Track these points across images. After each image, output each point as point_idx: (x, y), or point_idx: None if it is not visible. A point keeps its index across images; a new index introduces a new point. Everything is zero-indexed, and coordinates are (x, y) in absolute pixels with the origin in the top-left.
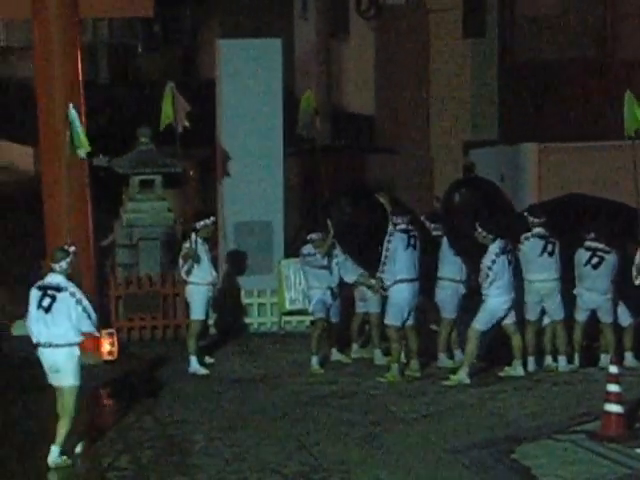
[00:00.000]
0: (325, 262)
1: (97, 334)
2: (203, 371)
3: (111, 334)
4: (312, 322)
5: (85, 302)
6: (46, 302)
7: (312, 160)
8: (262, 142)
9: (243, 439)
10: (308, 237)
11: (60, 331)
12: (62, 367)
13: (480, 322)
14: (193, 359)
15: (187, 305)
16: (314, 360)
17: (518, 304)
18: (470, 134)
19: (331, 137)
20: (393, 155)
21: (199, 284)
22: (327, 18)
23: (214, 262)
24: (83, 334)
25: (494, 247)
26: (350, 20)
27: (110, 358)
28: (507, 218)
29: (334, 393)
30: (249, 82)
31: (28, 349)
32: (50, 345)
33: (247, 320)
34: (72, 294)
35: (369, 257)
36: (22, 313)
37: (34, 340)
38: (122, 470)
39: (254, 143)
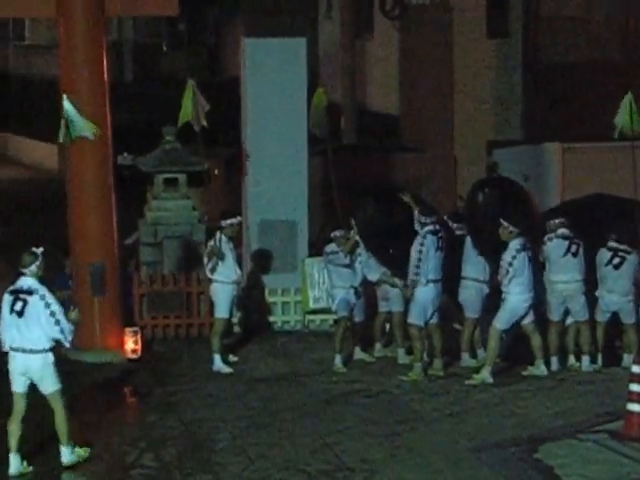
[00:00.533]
0: (348, 261)
1: (66, 344)
2: (227, 369)
3: (135, 332)
4: (335, 321)
5: (55, 307)
6: (18, 306)
7: (337, 159)
8: (287, 141)
9: (267, 437)
10: (332, 235)
11: (33, 336)
12: (39, 375)
13: (501, 321)
14: (217, 357)
15: (211, 303)
16: (337, 359)
17: (539, 303)
18: (494, 134)
19: (356, 136)
20: (417, 154)
21: (224, 282)
22: (352, 18)
23: (239, 261)
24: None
25: (514, 243)
26: (374, 20)
27: (134, 356)
28: (530, 218)
29: (357, 392)
30: (274, 81)
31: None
32: (24, 350)
33: (271, 318)
34: (42, 297)
35: (393, 256)
36: None
37: (5, 347)
38: (146, 468)
39: (279, 142)
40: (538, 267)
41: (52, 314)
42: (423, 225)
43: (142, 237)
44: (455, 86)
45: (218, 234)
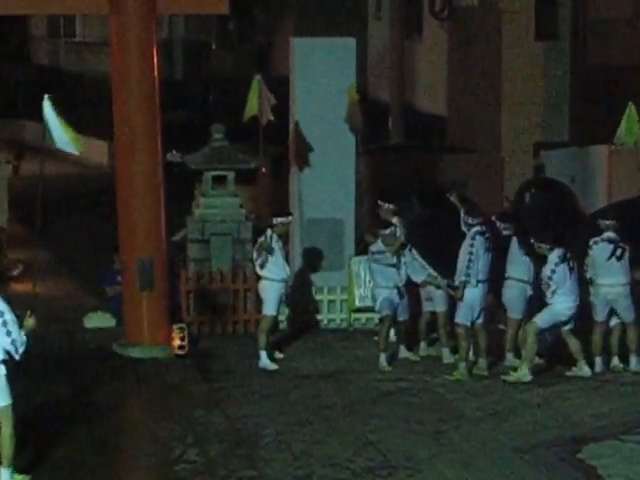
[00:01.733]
0: (394, 260)
1: (16, 356)
2: (272, 366)
3: (182, 329)
4: (380, 320)
5: (7, 316)
6: None
7: (384, 159)
8: (334, 140)
9: (311, 434)
10: (379, 233)
11: None
12: None
13: (541, 320)
14: (263, 354)
15: (259, 300)
16: (382, 357)
17: (583, 306)
18: (541, 135)
19: (403, 137)
20: (464, 155)
21: (273, 280)
22: (401, 18)
23: (287, 259)
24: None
25: (553, 256)
26: (423, 21)
27: (181, 352)
28: (577, 221)
29: (402, 390)
30: (322, 80)
31: (101, 341)
32: None
33: (317, 316)
34: None
35: (439, 256)
36: (94, 306)
37: None
38: (191, 463)
39: (326, 141)
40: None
41: (4, 324)
42: (470, 226)
43: (190, 234)
44: (503, 87)
45: (269, 231)
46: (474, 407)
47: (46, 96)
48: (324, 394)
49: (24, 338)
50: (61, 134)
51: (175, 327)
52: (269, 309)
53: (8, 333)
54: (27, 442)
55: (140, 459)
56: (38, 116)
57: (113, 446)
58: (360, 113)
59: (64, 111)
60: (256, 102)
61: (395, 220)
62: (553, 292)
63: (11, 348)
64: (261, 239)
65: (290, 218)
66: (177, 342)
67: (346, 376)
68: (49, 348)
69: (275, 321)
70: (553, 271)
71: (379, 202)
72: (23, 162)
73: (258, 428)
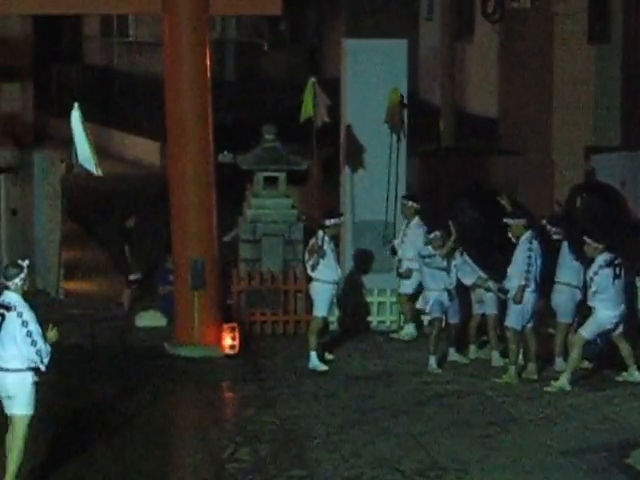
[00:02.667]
0: (444, 264)
1: (42, 367)
2: (322, 367)
3: (233, 328)
4: (430, 322)
5: (32, 327)
6: None
7: (435, 161)
8: (385, 142)
9: (361, 435)
10: (430, 235)
11: (8, 354)
12: (13, 394)
13: (587, 330)
14: (313, 355)
15: (309, 301)
16: (432, 360)
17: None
18: (592, 139)
19: (454, 139)
20: (515, 158)
21: (325, 282)
22: (452, 20)
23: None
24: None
25: (600, 258)
26: (475, 22)
27: (231, 352)
28: (628, 226)
29: (451, 393)
30: (374, 82)
31: (152, 340)
32: (0, 369)
33: (367, 318)
34: (19, 314)
35: (490, 259)
36: (146, 305)
37: None
38: (241, 462)
39: (377, 143)
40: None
41: (28, 334)
42: (521, 229)
43: (241, 234)
44: (554, 90)
45: (321, 233)
46: (523, 411)
47: (75, 105)
48: (373, 395)
49: (49, 348)
50: (84, 149)
51: (226, 327)
52: (320, 310)
53: (33, 343)
54: (78, 438)
55: (191, 457)
56: (90, 116)
57: (163, 444)
58: (400, 115)
59: (117, 111)
60: (311, 104)
61: (416, 219)
62: (594, 294)
63: (36, 358)
64: (313, 241)
65: (342, 219)
66: (228, 342)
67: (395, 378)
68: (101, 347)
69: (325, 322)
70: (596, 273)
71: (402, 200)
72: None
73: (308, 428)
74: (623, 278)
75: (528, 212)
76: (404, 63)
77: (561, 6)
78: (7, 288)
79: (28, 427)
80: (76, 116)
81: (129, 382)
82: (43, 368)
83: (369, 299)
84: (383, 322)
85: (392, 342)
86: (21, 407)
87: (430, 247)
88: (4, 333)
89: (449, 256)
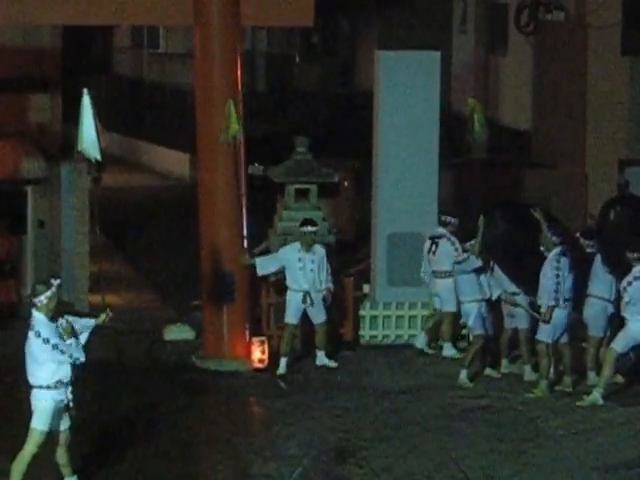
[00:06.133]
0: (480, 263)
1: (81, 359)
2: (333, 364)
3: (262, 342)
4: (474, 337)
5: (54, 340)
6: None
7: (467, 174)
8: (418, 154)
9: (391, 450)
10: (466, 245)
11: (28, 370)
12: (33, 407)
13: (618, 344)
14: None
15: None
16: (463, 374)
17: None
18: (626, 152)
19: (486, 151)
20: (548, 171)
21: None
22: (486, 32)
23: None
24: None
25: (636, 270)
26: (509, 35)
27: (260, 366)
28: None
29: (483, 407)
30: (407, 94)
31: (180, 354)
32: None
33: (398, 332)
34: (37, 334)
35: (522, 272)
36: (174, 318)
37: None
38: (270, 478)
39: (410, 155)
40: None
41: (55, 347)
42: (552, 245)
43: (272, 247)
44: (588, 103)
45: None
46: (555, 425)
47: (85, 90)
48: (404, 410)
49: (77, 343)
50: (90, 134)
51: (255, 340)
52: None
53: (62, 352)
54: (104, 452)
55: (219, 472)
56: (121, 128)
57: (191, 458)
58: (484, 127)
59: (147, 123)
60: (236, 120)
61: (440, 230)
62: (626, 304)
63: (72, 360)
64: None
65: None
66: (257, 355)
67: (426, 392)
68: (129, 360)
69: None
70: (629, 283)
71: (440, 215)
72: (105, 174)
73: (338, 443)
74: None
75: (562, 225)
76: (437, 75)
77: (595, 18)
78: (34, 305)
79: (36, 442)
80: (86, 101)
81: (156, 396)
82: (82, 360)
83: (400, 312)
84: (414, 336)
85: (423, 356)
86: (33, 420)
87: (463, 254)
88: (27, 352)
89: (481, 254)
